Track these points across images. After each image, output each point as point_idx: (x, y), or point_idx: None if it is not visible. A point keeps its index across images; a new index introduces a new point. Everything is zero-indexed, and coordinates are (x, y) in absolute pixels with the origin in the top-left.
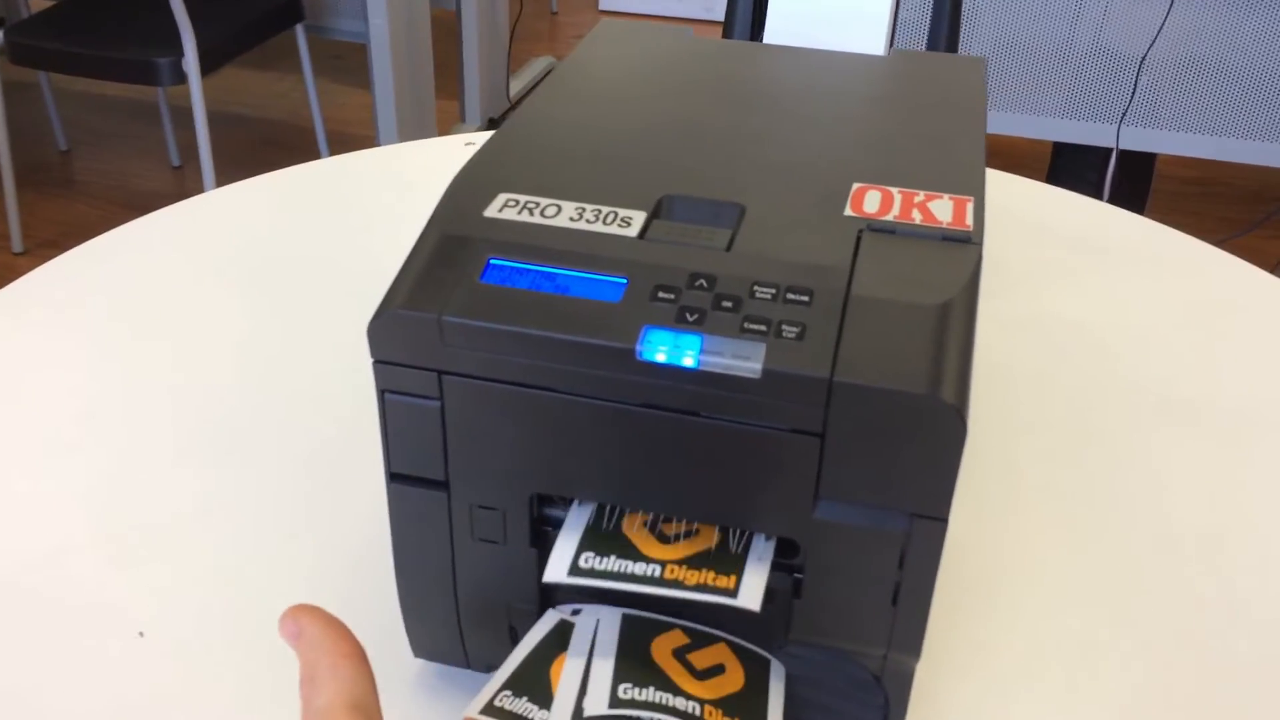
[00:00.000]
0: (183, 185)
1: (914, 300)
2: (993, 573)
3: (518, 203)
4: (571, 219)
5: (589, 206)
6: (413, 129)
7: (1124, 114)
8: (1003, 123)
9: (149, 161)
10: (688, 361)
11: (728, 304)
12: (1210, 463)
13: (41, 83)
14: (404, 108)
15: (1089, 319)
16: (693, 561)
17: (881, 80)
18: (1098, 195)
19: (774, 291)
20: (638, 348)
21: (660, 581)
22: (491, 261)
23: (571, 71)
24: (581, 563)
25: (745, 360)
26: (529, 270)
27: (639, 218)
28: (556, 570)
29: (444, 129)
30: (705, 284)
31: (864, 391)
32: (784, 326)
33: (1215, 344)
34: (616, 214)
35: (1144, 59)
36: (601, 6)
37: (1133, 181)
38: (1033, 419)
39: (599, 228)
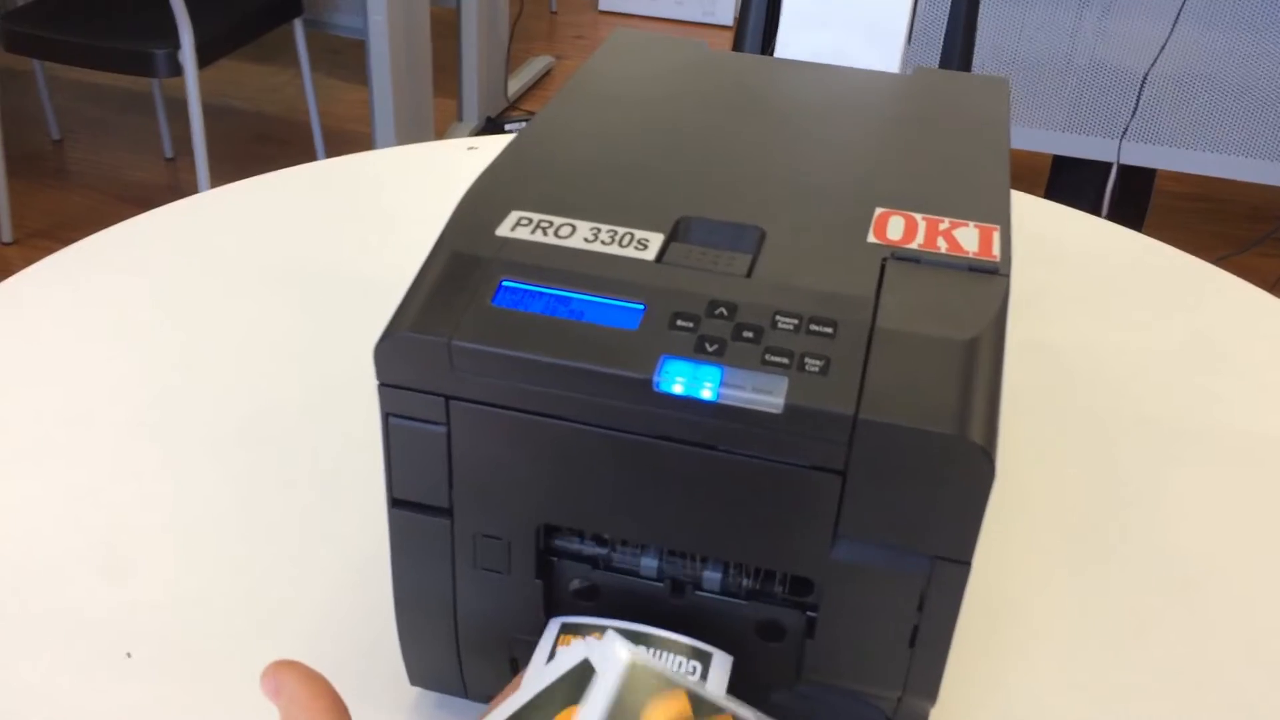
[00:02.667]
0: (176, 178)
1: (941, 335)
2: (1001, 606)
3: (531, 221)
4: (586, 240)
5: (604, 227)
6: (410, 126)
7: (1125, 129)
8: None
9: (142, 153)
10: (706, 394)
11: (748, 334)
12: (1222, 492)
13: (35, 71)
14: (401, 105)
15: (1095, 342)
16: None
17: (903, 100)
18: (1097, 209)
19: (796, 322)
20: (655, 378)
21: None
22: (504, 283)
23: (586, 83)
24: None
25: (767, 394)
26: (543, 293)
27: (656, 240)
28: None
29: (441, 127)
30: (725, 312)
31: (889, 430)
32: (807, 359)
33: (1223, 369)
34: (633, 235)
35: (1146, 75)
36: (601, 7)
37: (1132, 196)
38: (1039, 446)
39: (615, 250)
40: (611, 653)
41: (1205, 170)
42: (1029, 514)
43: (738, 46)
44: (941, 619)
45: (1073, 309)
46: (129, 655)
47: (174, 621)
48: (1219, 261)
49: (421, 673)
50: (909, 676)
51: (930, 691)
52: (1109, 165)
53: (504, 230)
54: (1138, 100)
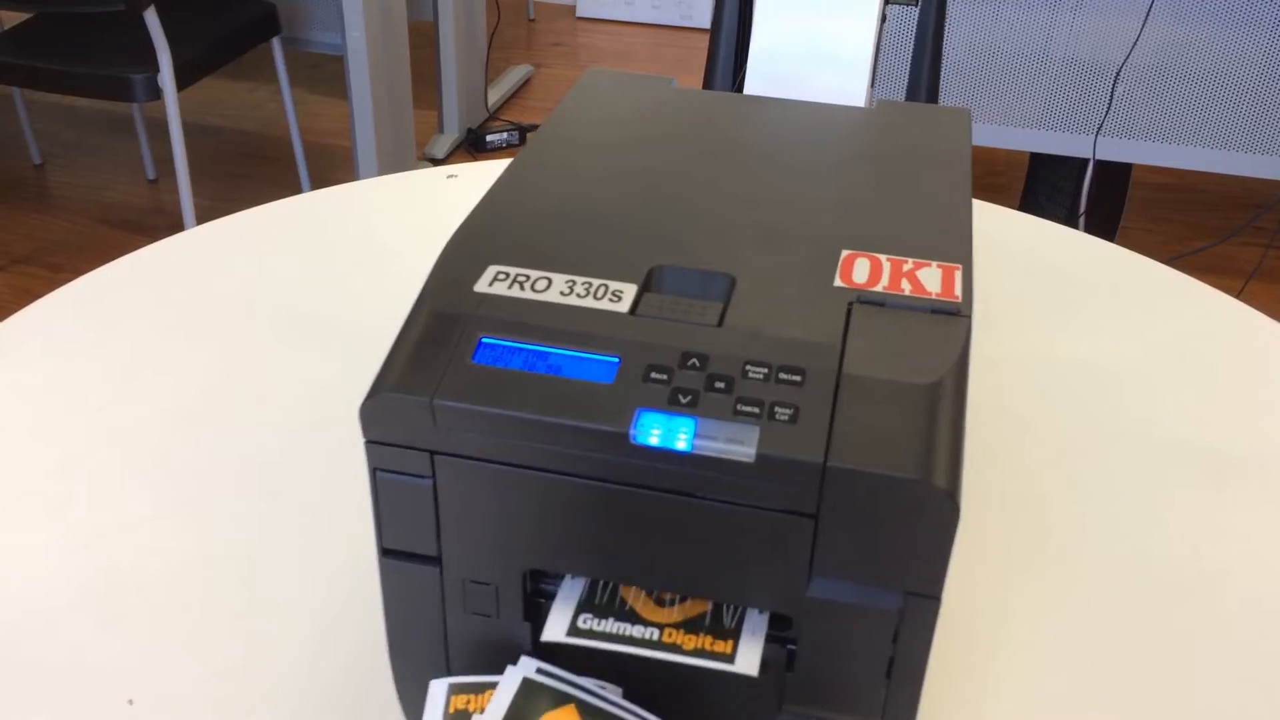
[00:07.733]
0: (158, 199)
1: (905, 379)
2: (972, 623)
3: (508, 276)
4: (562, 293)
5: (580, 279)
6: (391, 141)
7: (1100, 125)
8: (979, 134)
9: (124, 175)
10: (681, 445)
11: (720, 385)
12: (1199, 505)
13: (14, 95)
14: (382, 120)
15: (1069, 354)
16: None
17: (867, 136)
18: (1075, 205)
19: (766, 371)
20: (631, 431)
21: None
22: (483, 340)
23: (558, 128)
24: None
25: (739, 444)
26: (521, 349)
27: (630, 291)
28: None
29: (422, 139)
30: (698, 363)
31: (857, 476)
32: (777, 409)
33: (1199, 381)
34: (607, 287)
35: (1120, 70)
36: (579, 14)
37: (1109, 191)
38: (1011, 459)
39: (590, 303)
40: (514, 669)
41: (1180, 164)
42: (1000, 528)
43: (708, 80)
44: (915, 650)
45: (1046, 321)
46: (130, 702)
47: (173, 668)
48: (1198, 252)
49: (418, 710)
50: (886, 705)
51: (907, 719)
52: (1086, 160)
53: (482, 285)
54: (1112, 95)
